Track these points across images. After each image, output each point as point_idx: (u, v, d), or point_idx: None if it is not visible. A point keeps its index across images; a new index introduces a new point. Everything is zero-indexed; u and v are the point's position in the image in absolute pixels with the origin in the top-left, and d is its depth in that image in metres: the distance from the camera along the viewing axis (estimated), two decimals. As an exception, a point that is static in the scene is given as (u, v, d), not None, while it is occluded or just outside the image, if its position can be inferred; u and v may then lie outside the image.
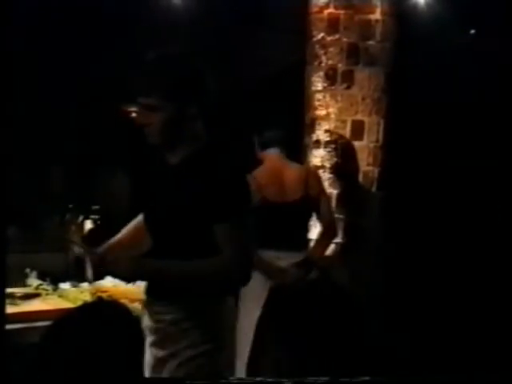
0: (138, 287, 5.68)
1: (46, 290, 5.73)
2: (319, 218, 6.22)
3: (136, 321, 2.88)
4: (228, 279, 4.06)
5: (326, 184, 6.94)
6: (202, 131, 4.08)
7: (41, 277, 5.87)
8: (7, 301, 5.19)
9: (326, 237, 6.27)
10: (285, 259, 5.94)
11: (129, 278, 4.11)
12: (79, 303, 5.00)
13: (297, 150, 7.12)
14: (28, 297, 5.55)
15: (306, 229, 6.30)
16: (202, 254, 3.96)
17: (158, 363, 4.08)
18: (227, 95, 8.46)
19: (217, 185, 3.93)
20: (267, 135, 6.09)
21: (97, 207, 7.50)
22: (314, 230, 6.47)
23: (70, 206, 7.70)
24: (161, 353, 4.10)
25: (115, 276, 4.20)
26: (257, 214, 5.79)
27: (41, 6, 7.65)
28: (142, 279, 4.20)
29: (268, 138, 6.08)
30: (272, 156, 6.04)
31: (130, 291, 5.60)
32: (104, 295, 5.39)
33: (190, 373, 4.04)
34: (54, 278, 5.90)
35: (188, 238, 3.99)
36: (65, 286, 5.82)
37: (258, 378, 2.67)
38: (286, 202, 5.95)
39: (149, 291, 4.19)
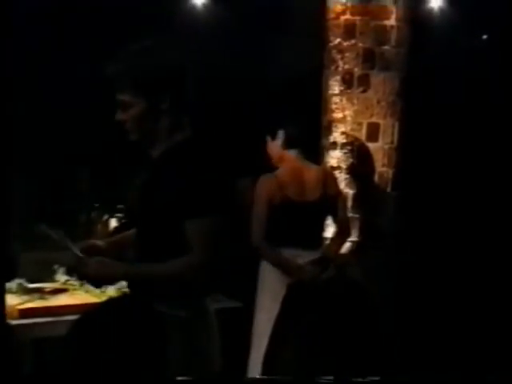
0: None
1: (73, 285, 5.73)
2: (334, 218, 6.17)
3: (158, 315, 2.82)
4: (194, 278, 3.87)
5: (342, 184, 6.94)
6: (184, 125, 3.95)
7: (68, 273, 5.84)
8: (36, 295, 5.43)
9: (340, 236, 6.23)
10: (302, 257, 5.85)
11: (96, 281, 4.17)
12: (104, 298, 5.05)
13: (314, 152, 7.03)
14: (56, 292, 5.58)
15: (322, 228, 6.25)
16: (175, 251, 3.84)
17: None
18: (247, 97, 8.51)
19: (191, 179, 3.80)
20: (286, 137, 6.01)
21: (121, 206, 7.54)
22: (329, 229, 6.42)
23: (96, 205, 7.74)
24: None
25: (87, 278, 4.18)
26: (278, 213, 5.82)
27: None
28: (110, 282, 4.27)
29: (287, 140, 6.01)
30: (292, 157, 5.97)
31: None
32: (127, 291, 5.05)
33: None
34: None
35: (162, 233, 3.88)
36: None
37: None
38: (306, 200, 5.90)
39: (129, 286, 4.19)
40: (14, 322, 5.09)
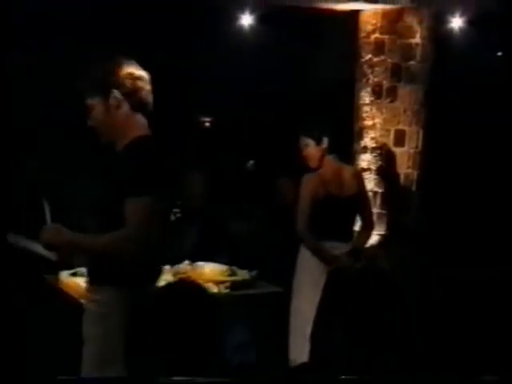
0: (212, 270, 5.95)
1: None
2: (361, 213, 6.27)
3: (210, 298, 2.94)
4: (124, 251, 3.79)
5: (372, 184, 7.13)
6: (141, 124, 3.98)
7: None
8: None
9: (366, 229, 6.32)
10: (337, 248, 5.93)
11: (49, 246, 3.95)
12: (163, 283, 5.33)
13: (347, 155, 7.10)
14: None
15: (354, 222, 6.34)
16: (118, 227, 3.80)
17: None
18: (289, 106, 8.65)
19: (132, 164, 3.82)
20: (329, 143, 6.10)
21: (178, 202, 7.78)
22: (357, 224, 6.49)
23: None
24: (84, 333, 4.01)
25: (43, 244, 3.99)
26: (321, 206, 5.99)
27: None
28: (61, 249, 4.01)
29: (329, 146, 6.07)
30: (330, 160, 6.06)
31: (204, 273, 5.72)
32: (183, 276, 5.40)
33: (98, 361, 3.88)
34: None
35: (110, 210, 3.88)
36: None
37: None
38: (344, 195, 6.00)
39: (88, 273, 4.17)
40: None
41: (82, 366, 3.94)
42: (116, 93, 3.90)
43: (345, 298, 2.95)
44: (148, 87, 4.05)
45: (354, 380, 2.57)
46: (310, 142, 6.09)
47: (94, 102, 3.95)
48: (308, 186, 6.03)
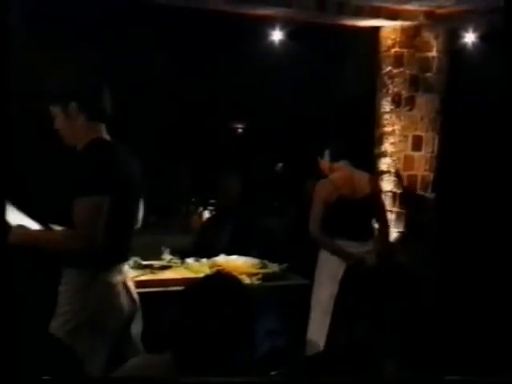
0: (245, 263, 6.00)
1: (176, 263, 5.89)
2: (376, 215, 6.29)
3: (245, 288, 3.00)
4: (71, 247, 3.83)
5: (391, 185, 7.14)
6: (98, 130, 4.06)
7: (172, 253, 6.01)
8: (148, 270, 5.61)
9: (382, 230, 6.31)
10: (354, 247, 5.93)
11: (11, 244, 3.77)
12: (201, 274, 5.08)
13: (368, 159, 7.24)
14: (163, 268, 5.74)
15: (370, 222, 6.32)
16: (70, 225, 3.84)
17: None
18: (313, 114, 8.67)
19: (83, 165, 3.88)
20: (332, 153, 6.18)
21: (213, 201, 7.80)
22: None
23: (193, 199, 8.01)
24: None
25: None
26: (335, 209, 6.02)
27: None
28: (21, 245, 3.86)
29: (332, 155, 6.15)
30: (340, 166, 6.10)
31: (238, 265, 5.74)
32: (219, 268, 5.42)
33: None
34: (181, 254, 6.05)
35: (62, 210, 3.89)
36: (189, 260, 5.92)
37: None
38: (357, 198, 6.01)
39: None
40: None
41: None
42: (74, 104, 4.01)
43: (361, 291, 3.05)
44: (104, 97, 4.15)
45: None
46: (324, 161, 6.21)
47: (56, 111, 4.07)
48: (320, 190, 6.07)
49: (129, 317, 4.22)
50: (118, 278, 4.10)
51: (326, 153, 6.18)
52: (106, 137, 4.12)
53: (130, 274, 5.36)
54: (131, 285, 4.29)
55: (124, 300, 4.16)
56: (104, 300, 4.00)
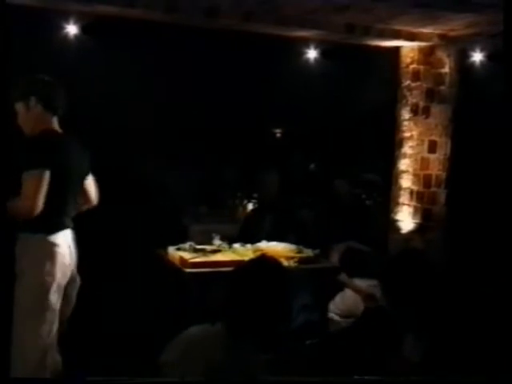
0: (283, 248, 5.98)
1: (225, 247, 5.89)
2: None
3: (284, 269, 3.04)
4: (19, 212, 3.95)
5: (410, 183, 7.11)
6: (49, 120, 4.26)
7: (221, 239, 6.01)
8: (201, 253, 5.63)
9: None
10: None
11: None
12: (246, 257, 5.14)
13: (390, 160, 7.28)
14: (214, 252, 5.75)
15: None
16: None
17: None
18: (342, 121, 8.65)
19: (28, 145, 4.09)
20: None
21: (256, 195, 7.82)
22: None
23: (239, 194, 8.03)
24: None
25: None
26: None
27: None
28: None
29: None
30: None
31: (277, 250, 5.71)
32: (261, 253, 5.39)
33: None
34: (229, 240, 6.05)
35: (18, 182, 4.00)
36: (236, 245, 5.92)
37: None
38: None
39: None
40: (188, 270, 5.31)
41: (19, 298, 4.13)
42: (33, 99, 4.22)
43: (389, 271, 3.07)
44: (58, 94, 4.33)
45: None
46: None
47: (19, 106, 4.25)
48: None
49: (72, 275, 4.40)
50: (61, 240, 4.22)
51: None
52: (56, 128, 4.32)
53: (186, 256, 5.52)
54: (73, 249, 4.40)
55: (69, 259, 4.31)
56: (53, 256, 4.16)
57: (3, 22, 2.53)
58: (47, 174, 4.03)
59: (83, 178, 4.45)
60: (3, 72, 2.55)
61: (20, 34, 6.16)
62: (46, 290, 4.17)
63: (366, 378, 2.53)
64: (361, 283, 5.82)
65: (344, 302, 5.81)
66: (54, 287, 4.21)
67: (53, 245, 4.18)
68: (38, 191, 3.98)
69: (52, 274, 4.17)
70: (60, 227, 4.26)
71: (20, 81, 4.33)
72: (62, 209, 4.24)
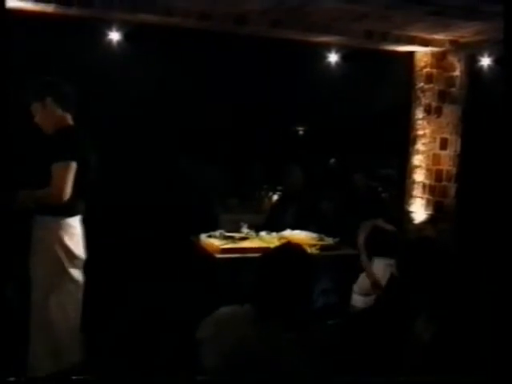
0: (306, 236, 5.97)
1: (252, 235, 5.98)
2: None
3: (308, 256, 3.02)
4: (49, 200, 4.18)
5: (422, 177, 7.10)
6: (64, 117, 4.40)
7: (249, 227, 6.09)
8: (230, 240, 5.69)
9: None
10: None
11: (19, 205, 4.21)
12: (271, 245, 5.26)
13: (404, 156, 7.26)
14: (242, 239, 5.84)
15: None
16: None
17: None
18: (360, 119, 8.63)
19: (53, 140, 4.28)
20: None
21: (280, 188, 7.84)
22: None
23: (265, 186, 8.06)
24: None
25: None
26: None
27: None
28: (26, 205, 4.27)
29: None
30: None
31: (301, 238, 5.76)
32: (286, 240, 5.34)
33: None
34: (256, 228, 6.12)
35: (46, 174, 4.18)
36: (262, 233, 5.99)
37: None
38: None
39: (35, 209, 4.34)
40: (218, 256, 5.40)
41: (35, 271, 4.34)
42: (49, 100, 4.35)
43: (405, 256, 3.08)
44: (71, 93, 4.47)
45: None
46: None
47: (36, 106, 4.39)
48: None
49: (82, 259, 4.54)
50: (77, 223, 4.45)
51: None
52: (71, 123, 4.45)
53: (216, 242, 5.54)
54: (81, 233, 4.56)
55: (82, 241, 4.51)
56: (71, 236, 4.36)
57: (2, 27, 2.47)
58: (74, 166, 4.22)
59: (93, 168, 4.58)
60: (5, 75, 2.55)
61: (70, 41, 6.26)
62: (66, 265, 4.36)
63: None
64: (379, 262, 5.77)
65: (365, 282, 5.79)
66: (74, 262, 4.40)
67: (71, 226, 4.37)
68: (67, 181, 4.18)
69: (70, 251, 4.36)
70: (78, 212, 4.46)
71: (35, 82, 4.45)
72: (79, 196, 4.37)
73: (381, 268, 5.70)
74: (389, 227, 6.13)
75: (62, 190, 4.17)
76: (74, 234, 4.42)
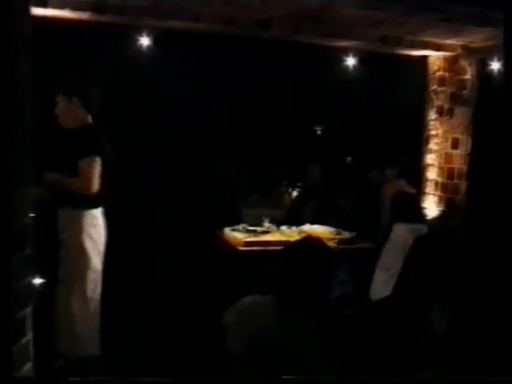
0: (324, 231, 6.03)
1: (273, 229, 6.00)
2: None
3: (329, 249, 3.00)
4: (78, 190, 4.34)
5: (435, 175, 7.09)
6: (85, 116, 4.54)
7: (270, 221, 6.11)
8: (253, 234, 5.71)
9: None
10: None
11: (48, 185, 4.38)
12: (291, 238, 5.28)
13: (418, 155, 7.23)
14: (264, 232, 5.87)
15: None
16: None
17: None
18: (376, 120, 8.61)
19: (80, 137, 4.43)
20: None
21: (300, 184, 7.85)
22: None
23: (285, 183, 8.06)
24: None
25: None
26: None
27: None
28: (52, 187, 4.43)
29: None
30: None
31: (319, 232, 5.78)
32: (305, 234, 5.34)
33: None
34: (277, 222, 6.12)
35: (72, 166, 4.35)
36: (283, 227, 6.00)
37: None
38: None
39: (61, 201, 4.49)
40: (241, 248, 5.43)
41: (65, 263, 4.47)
42: (75, 98, 4.52)
43: (421, 249, 3.05)
44: (93, 95, 4.61)
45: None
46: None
47: (62, 104, 4.54)
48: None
49: (102, 250, 4.64)
50: (100, 215, 4.57)
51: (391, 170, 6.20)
52: (90, 121, 4.60)
53: (239, 236, 5.56)
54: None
55: (104, 232, 4.63)
56: (95, 226, 4.49)
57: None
58: (99, 161, 4.38)
59: (113, 164, 4.71)
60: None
61: (103, 45, 6.33)
62: (91, 255, 4.47)
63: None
64: (399, 227, 5.65)
65: (386, 256, 5.78)
66: (97, 252, 4.52)
67: (95, 217, 4.50)
68: (95, 174, 4.36)
69: (95, 241, 4.49)
70: (101, 204, 4.59)
71: (66, 81, 4.60)
72: (102, 189, 4.48)
73: (401, 232, 5.62)
74: (411, 190, 6.15)
75: (91, 182, 4.33)
76: (98, 224, 4.54)
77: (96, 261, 4.51)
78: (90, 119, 4.60)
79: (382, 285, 5.71)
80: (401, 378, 2.41)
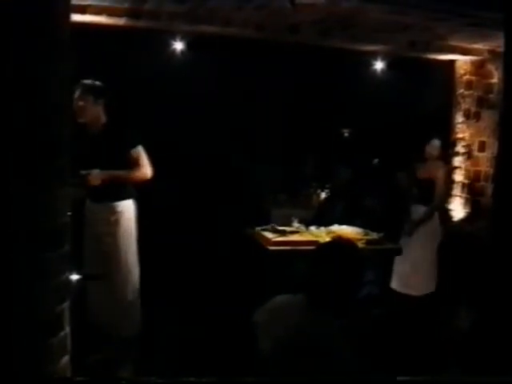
0: (352, 231, 5.94)
1: (302, 229, 5.86)
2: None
3: (359, 250, 2.96)
4: (136, 180, 4.69)
5: (462, 177, 7.10)
6: (107, 118, 4.80)
7: (300, 222, 5.99)
8: (282, 234, 5.62)
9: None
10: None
11: (99, 180, 4.58)
12: (320, 238, 5.22)
13: (445, 157, 7.06)
14: (292, 232, 5.73)
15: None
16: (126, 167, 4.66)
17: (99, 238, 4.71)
18: (404, 122, 8.56)
19: (118, 131, 4.73)
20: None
21: (328, 185, 7.81)
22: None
23: (314, 184, 8.03)
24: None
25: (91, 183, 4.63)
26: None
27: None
28: (104, 182, 4.62)
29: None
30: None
31: (347, 233, 5.68)
32: (334, 235, 5.40)
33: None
34: (306, 223, 6.02)
35: (120, 159, 4.64)
36: (312, 227, 5.89)
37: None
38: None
39: (108, 195, 4.73)
40: (271, 248, 5.33)
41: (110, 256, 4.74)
42: (100, 101, 4.78)
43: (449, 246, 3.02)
44: (115, 103, 4.82)
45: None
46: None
47: (88, 99, 4.73)
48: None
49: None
50: (134, 206, 4.87)
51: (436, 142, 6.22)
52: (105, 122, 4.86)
53: (269, 235, 5.56)
54: None
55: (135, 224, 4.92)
56: (134, 215, 4.85)
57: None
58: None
59: None
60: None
61: (139, 49, 6.40)
62: (134, 240, 4.83)
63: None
64: (417, 209, 6.07)
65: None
66: (135, 238, 4.88)
67: (132, 207, 4.86)
68: (147, 160, 4.74)
69: (136, 228, 4.89)
70: (135, 195, 4.93)
71: (88, 84, 4.80)
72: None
73: (419, 214, 5.92)
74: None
75: (148, 168, 4.71)
76: (132, 217, 4.86)
77: (135, 247, 4.85)
78: (105, 120, 4.86)
79: (401, 277, 5.77)
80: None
